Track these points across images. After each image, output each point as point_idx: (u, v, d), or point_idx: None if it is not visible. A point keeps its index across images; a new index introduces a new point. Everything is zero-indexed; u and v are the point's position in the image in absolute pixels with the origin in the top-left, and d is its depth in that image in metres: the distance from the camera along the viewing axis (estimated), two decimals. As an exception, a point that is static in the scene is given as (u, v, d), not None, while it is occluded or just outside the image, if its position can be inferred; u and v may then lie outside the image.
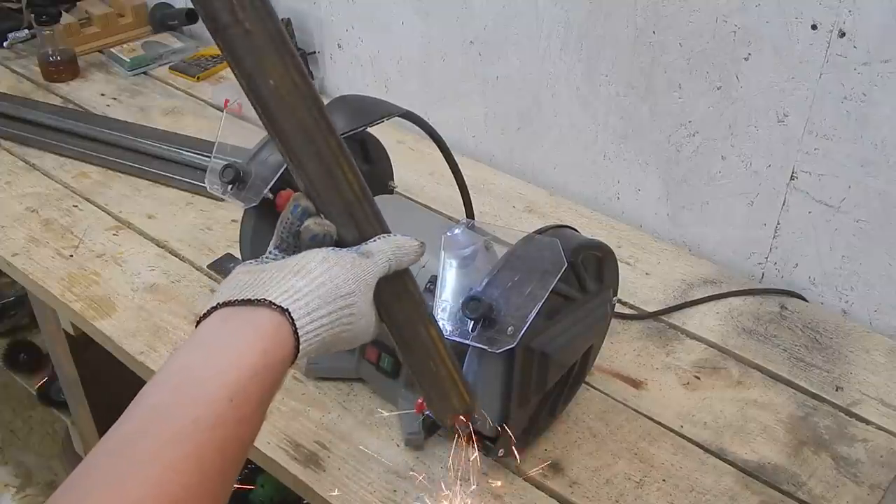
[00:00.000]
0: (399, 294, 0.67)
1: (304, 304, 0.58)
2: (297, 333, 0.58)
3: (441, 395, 0.72)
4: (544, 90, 1.35)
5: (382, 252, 0.64)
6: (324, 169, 0.62)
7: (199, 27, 1.88)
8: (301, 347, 0.58)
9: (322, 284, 0.60)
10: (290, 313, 0.57)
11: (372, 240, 0.65)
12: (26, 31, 1.78)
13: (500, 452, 0.87)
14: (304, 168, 0.62)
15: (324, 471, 0.90)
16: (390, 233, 0.66)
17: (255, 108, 0.61)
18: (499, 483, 0.89)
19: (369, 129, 0.99)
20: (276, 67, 0.59)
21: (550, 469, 0.91)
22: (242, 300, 0.57)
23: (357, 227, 0.64)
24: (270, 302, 0.57)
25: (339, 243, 0.64)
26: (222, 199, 0.94)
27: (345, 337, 0.63)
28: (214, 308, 0.58)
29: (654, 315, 1.13)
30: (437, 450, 0.92)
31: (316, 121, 0.61)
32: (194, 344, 0.56)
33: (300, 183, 0.63)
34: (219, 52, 1.77)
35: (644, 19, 1.18)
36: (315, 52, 1.66)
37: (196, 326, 0.58)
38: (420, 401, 0.82)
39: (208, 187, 0.93)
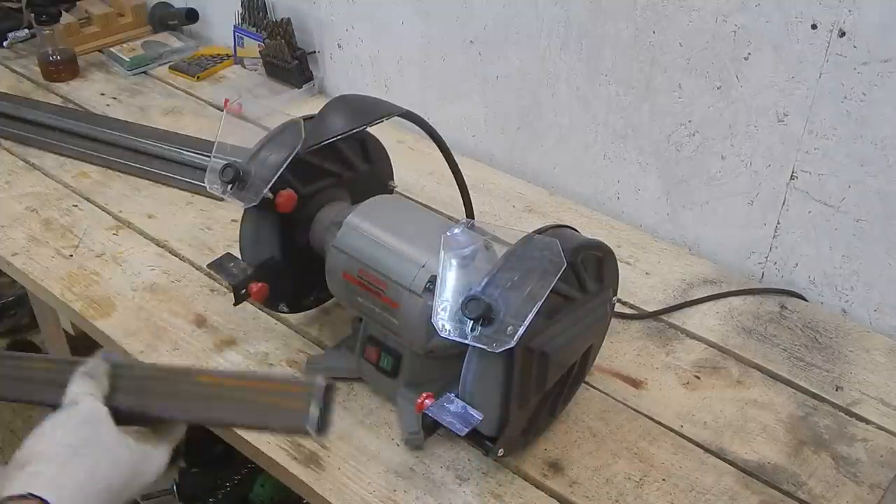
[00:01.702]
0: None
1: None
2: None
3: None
4: (544, 90, 1.35)
5: (79, 384, 0.68)
6: None
7: (199, 27, 1.88)
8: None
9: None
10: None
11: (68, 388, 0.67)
12: (26, 30, 1.78)
13: (500, 452, 0.87)
14: None
15: (324, 471, 0.90)
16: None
17: None
18: (499, 483, 0.89)
19: (369, 129, 0.99)
20: None
21: (550, 469, 0.91)
22: None
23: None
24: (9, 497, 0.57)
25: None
26: (222, 199, 0.94)
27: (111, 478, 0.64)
28: None
29: (654, 315, 1.13)
30: (437, 450, 0.92)
31: None
32: None
33: None
34: (219, 52, 1.78)
35: (644, 19, 1.18)
36: (315, 52, 1.66)
37: None
38: (420, 400, 0.82)
39: (208, 187, 0.93)
